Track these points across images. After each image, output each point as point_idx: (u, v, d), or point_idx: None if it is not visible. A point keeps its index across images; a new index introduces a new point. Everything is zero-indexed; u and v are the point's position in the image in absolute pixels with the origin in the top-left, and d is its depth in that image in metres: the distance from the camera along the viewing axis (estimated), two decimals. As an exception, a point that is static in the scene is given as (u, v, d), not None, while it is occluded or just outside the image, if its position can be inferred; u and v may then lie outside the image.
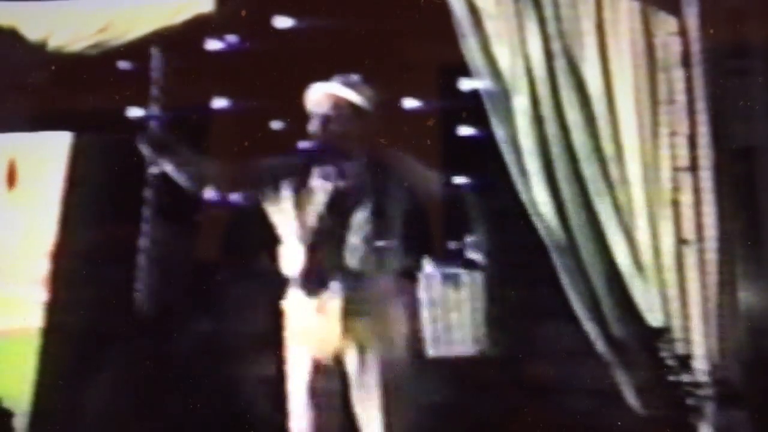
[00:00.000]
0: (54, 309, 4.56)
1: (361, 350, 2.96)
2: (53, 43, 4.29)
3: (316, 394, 2.97)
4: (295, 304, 3.02)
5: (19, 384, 4.43)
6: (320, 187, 3.04)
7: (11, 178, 4.77)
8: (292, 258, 3.01)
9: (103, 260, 4.44)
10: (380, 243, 2.98)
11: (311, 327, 2.98)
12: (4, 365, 4.50)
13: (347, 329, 2.94)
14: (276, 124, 5.24)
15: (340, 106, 3.06)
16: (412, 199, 3.03)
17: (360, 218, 2.98)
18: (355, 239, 2.96)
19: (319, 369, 2.98)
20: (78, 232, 4.70)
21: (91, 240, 4.65)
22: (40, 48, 4.30)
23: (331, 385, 2.98)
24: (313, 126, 3.07)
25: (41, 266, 4.73)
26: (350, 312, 2.94)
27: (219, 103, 5.27)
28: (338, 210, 3.00)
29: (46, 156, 4.90)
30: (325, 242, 2.98)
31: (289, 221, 3.05)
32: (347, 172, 3.03)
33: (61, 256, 4.64)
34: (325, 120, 3.05)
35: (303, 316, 3.00)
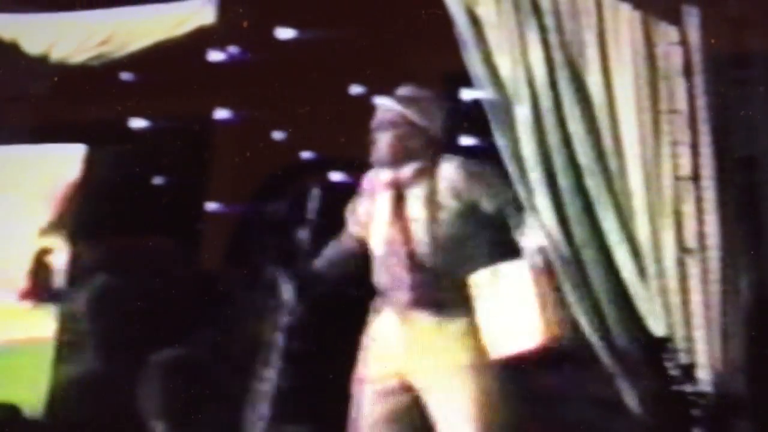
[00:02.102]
0: (67, 318, 4.59)
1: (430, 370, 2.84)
2: (56, 55, 4.32)
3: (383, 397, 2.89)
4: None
5: (36, 393, 4.45)
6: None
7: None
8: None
9: (113, 270, 4.47)
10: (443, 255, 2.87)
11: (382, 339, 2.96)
12: (20, 374, 4.53)
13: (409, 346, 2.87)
14: (278, 135, 5.25)
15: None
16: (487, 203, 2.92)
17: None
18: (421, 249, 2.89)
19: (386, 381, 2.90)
20: (87, 242, 4.73)
21: (100, 250, 4.67)
22: (42, 60, 4.32)
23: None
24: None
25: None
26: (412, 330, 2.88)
27: (221, 114, 5.29)
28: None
29: (54, 166, 4.94)
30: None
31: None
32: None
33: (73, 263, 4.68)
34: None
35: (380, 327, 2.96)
